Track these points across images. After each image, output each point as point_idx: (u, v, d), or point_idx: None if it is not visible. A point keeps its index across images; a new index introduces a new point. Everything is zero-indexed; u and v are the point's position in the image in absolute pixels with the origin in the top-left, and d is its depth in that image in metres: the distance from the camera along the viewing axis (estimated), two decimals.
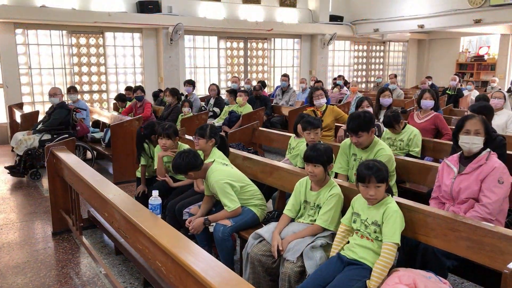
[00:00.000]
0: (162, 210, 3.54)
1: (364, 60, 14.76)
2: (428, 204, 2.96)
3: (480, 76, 13.82)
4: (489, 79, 11.20)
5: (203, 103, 8.34)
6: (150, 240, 2.13)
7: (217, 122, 7.20)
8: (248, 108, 7.14)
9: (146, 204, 2.80)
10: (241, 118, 6.89)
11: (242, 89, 8.11)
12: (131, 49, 10.30)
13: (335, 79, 10.94)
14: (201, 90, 11.11)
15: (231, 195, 3.12)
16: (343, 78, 10.93)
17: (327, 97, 5.97)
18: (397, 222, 2.34)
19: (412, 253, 2.56)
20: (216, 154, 3.56)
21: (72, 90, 7.19)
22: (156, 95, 9.11)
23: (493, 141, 3.24)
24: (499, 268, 2.00)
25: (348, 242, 2.53)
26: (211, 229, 3.14)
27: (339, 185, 2.82)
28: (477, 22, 9.97)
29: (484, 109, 3.88)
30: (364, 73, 14.84)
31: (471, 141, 2.75)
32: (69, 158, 3.83)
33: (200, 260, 1.83)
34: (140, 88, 7.47)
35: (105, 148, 6.52)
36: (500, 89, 6.36)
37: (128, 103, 7.88)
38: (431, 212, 2.42)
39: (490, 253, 2.13)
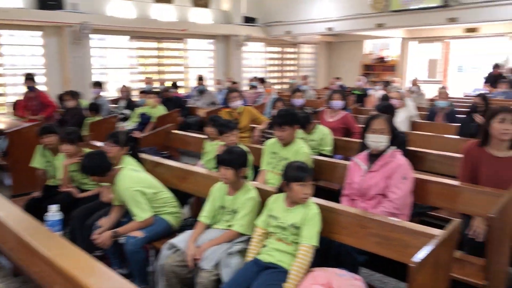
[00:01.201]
0: (67, 223, 3.28)
1: (279, 62, 15.10)
2: (339, 200, 3.05)
3: (383, 76, 14.82)
4: (390, 80, 12.03)
5: (114, 105, 7.92)
6: (47, 262, 1.91)
7: (128, 125, 6.86)
8: (160, 110, 6.90)
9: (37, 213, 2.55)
10: (151, 121, 6.64)
11: (154, 90, 7.84)
12: (31, 48, 9.46)
13: (251, 80, 11.04)
14: (113, 92, 10.57)
15: (142, 204, 2.95)
16: (258, 78, 11.03)
17: (243, 98, 5.96)
18: (317, 225, 2.37)
19: (326, 252, 2.60)
20: (129, 162, 3.37)
21: None
22: (61, 98, 8.46)
23: (396, 138, 3.43)
24: (406, 261, 2.09)
25: (264, 246, 2.51)
26: (121, 241, 2.94)
27: (257, 187, 2.79)
28: (380, 26, 10.67)
29: (387, 108, 4.14)
30: (279, 74, 15.17)
31: (377, 140, 2.88)
32: None
33: (105, 281, 1.68)
34: (29, 77, 6.53)
35: (2, 157, 5.88)
36: (397, 89, 6.84)
37: None
38: (343, 211, 2.48)
39: (397, 247, 2.23)
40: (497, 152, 2.82)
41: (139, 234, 2.89)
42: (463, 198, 2.80)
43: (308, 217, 2.37)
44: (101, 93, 7.66)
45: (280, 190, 2.54)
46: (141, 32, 10.95)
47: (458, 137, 4.77)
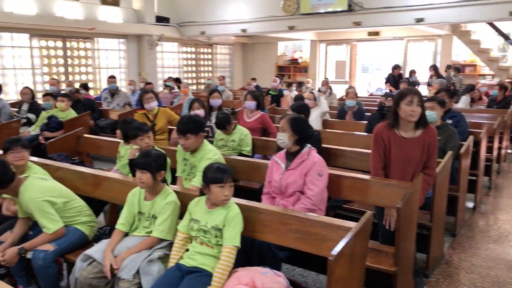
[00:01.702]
0: None
1: (194, 62, 14.94)
2: (260, 199, 3.10)
3: (296, 77, 15.37)
4: (304, 80, 12.52)
5: (15, 109, 7.26)
6: None
7: (33, 130, 6.33)
8: (71, 114, 6.46)
9: None
10: (63, 125, 6.19)
11: (63, 92, 7.32)
12: None
13: (167, 80, 10.80)
14: (12, 95, 9.71)
15: (52, 215, 2.73)
16: (174, 79, 10.83)
17: (158, 99, 5.80)
18: (239, 225, 2.37)
19: (249, 252, 2.62)
20: (35, 169, 3.12)
21: None
22: None
23: (310, 137, 3.57)
24: (325, 254, 2.17)
25: (187, 250, 2.46)
26: (29, 256, 2.70)
27: (175, 191, 2.73)
28: (291, 28, 11.04)
29: (301, 108, 4.30)
30: (194, 74, 15.01)
31: (278, 137, 3.02)
32: None
33: None
34: None
35: None
36: (311, 90, 7.15)
37: None
38: (263, 209, 2.51)
39: (316, 241, 2.31)
40: (405, 133, 2.99)
41: (49, 247, 2.67)
42: (373, 191, 2.99)
43: (229, 218, 2.36)
44: None
45: (201, 193, 2.51)
46: (43, 30, 10.17)
47: (366, 134, 5.09)
